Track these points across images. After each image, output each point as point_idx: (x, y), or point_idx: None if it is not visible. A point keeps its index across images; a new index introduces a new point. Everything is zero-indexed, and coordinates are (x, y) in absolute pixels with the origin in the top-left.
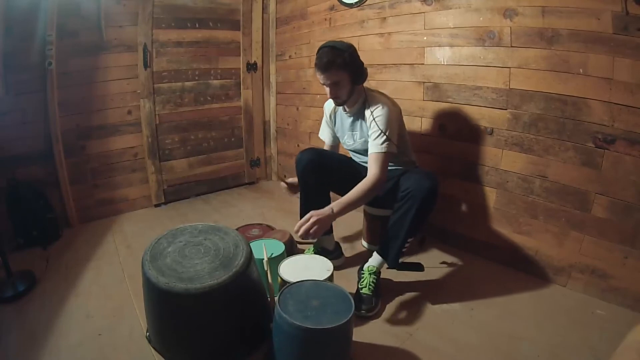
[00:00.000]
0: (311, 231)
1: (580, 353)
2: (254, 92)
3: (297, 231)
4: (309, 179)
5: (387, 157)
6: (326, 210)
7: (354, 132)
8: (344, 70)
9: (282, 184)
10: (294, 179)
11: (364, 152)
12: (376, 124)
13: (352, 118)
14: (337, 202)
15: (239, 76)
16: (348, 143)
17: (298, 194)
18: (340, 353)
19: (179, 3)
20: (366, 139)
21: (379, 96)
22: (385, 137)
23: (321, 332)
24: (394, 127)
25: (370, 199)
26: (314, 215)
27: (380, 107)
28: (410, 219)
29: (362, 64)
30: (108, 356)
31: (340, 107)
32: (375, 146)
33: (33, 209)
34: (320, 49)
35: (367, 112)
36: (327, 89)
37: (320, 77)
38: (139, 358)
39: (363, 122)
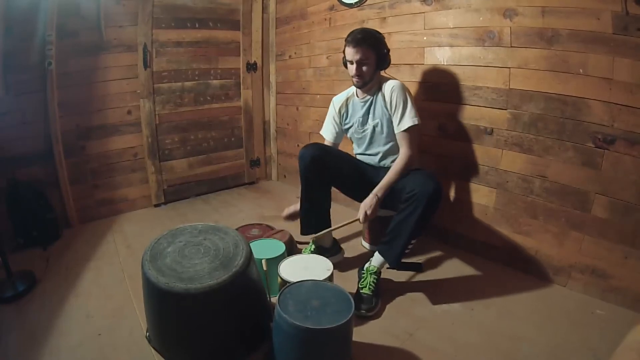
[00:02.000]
0: (369, 216)
1: (580, 353)
2: (254, 92)
3: (362, 221)
4: (311, 175)
5: (414, 132)
6: (372, 198)
7: (368, 117)
8: (373, 50)
9: (285, 212)
10: (293, 209)
11: (373, 137)
12: (398, 97)
13: (367, 104)
14: (379, 187)
15: (239, 76)
16: (360, 130)
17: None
18: (340, 353)
19: (178, 3)
20: (380, 120)
21: (391, 78)
22: (408, 109)
23: (321, 332)
24: (413, 101)
25: (406, 174)
26: (367, 209)
27: (397, 83)
28: (415, 220)
29: (389, 51)
30: (108, 356)
31: (354, 98)
32: (403, 123)
33: (33, 209)
34: (353, 30)
35: (384, 88)
36: (353, 67)
37: (349, 53)
38: (139, 358)
39: (378, 103)
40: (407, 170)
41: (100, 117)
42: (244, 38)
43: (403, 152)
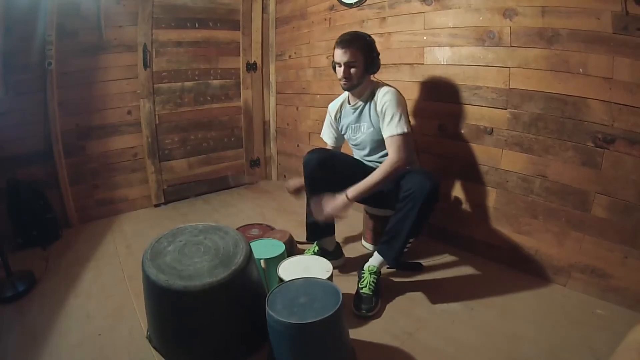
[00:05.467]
0: (325, 217)
1: (580, 353)
2: (254, 92)
3: (315, 216)
4: (317, 180)
5: (405, 138)
6: (340, 198)
7: (361, 124)
8: (361, 52)
9: (288, 186)
10: (298, 183)
11: (371, 144)
12: (389, 105)
13: (358, 110)
14: (353, 188)
15: (239, 76)
16: (354, 137)
17: (301, 196)
18: (333, 347)
19: (178, 3)
20: (375, 128)
21: (386, 85)
22: (399, 116)
23: (304, 326)
24: (405, 109)
25: (389, 183)
26: (327, 207)
27: (390, 91)
28: (413, 219)
29: (378, 54)
30: (108, 356)
31: (346, 104)
32: (391, 128)
33: (33, 209)
34: (343, 33)
35: (377, 96)
36: (340, 70)
37: (337, 54)
38: (139, 358)
39: (371, 110)
40: (390, 176)
41: (100, 117)
42: (243, 38)
43: (389, 157)
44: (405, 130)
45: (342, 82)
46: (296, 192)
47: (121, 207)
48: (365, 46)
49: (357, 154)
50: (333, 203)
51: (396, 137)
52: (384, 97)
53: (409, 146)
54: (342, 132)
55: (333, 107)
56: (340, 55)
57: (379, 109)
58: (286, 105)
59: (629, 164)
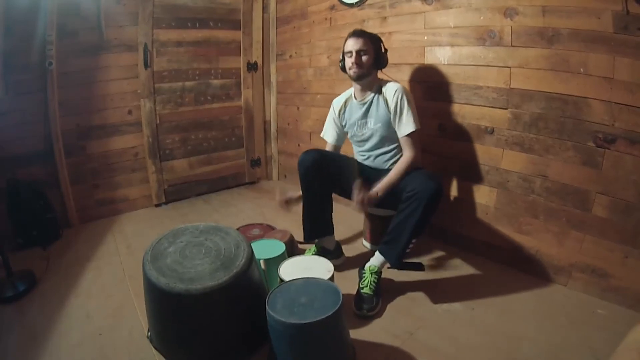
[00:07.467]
0: (362, 204)
1: (580, 353)
2: (255, 91)
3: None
4: (312, 180)
5: (417, 135)
6: (373, 192)
7: (367, 120)
8: (372, 44)
9: (280, 199)
10: (291, 195)
11: (377, 139)
12: (402, 104)
13: (365, 106)
14: (381, 186)
15: (240, 76)
16: (359, 133)
17: (290, 208)
18: (332, 347)
19: (179, 3)
20: (382, 123)
21: (392, 81)
22: (412, 114)
23: (305, 326)
24: (414, 105)
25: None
26: (365, 196)
27: (399, 87)
28: (416, 220)
29: (386, 51)
30: (108, 356)
31: (352, 99)
32: (407, 127)
33: (33, 209)
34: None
35: (385, 92)
36: (352, 58)
37: (349, 44)
38: (139, 358)
39: (380, 106)
40: (409, 171)
41: (101, 117)
42: (244, 38)
43: (406, 154)
44: (418, 127)
45: (352, 70)
46: (286, 203)
47: (121, 207)
48: (375, 41)
49: (359, 150)
50: (369, 197)
51: (411, 135)
52: (394, 94)
53: (420, 141)
54: (346, 129)
55: (337, 102)
56: (352, 44)
57: (391, 106)
58: (287, 105)
59: (629, 163)
